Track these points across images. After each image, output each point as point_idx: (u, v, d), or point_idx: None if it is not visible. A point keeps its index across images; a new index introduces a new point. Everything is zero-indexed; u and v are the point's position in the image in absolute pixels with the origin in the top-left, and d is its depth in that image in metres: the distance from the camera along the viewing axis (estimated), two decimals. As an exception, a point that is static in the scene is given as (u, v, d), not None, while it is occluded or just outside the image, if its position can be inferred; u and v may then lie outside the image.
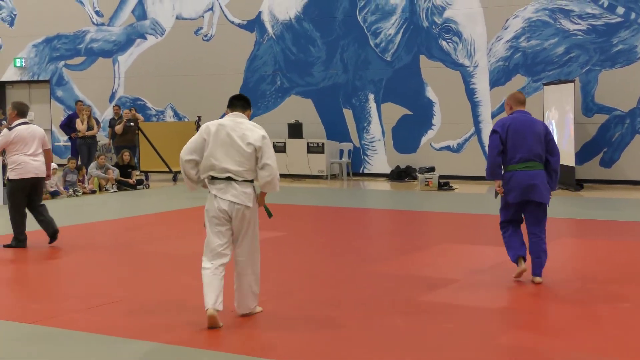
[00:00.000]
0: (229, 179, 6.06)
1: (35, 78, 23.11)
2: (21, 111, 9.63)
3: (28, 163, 9.35)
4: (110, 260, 9.07)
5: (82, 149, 17.62)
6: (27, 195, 9.50)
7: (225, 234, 6.11)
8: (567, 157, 15.55)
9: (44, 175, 9.59)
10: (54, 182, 14.82)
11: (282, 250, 9.17)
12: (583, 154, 16.37)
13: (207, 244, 6.12)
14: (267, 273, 7.54)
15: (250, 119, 6.30)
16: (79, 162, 16.89)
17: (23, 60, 23.12)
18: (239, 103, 6.31)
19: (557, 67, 16.78)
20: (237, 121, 6.16)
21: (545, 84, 16.64)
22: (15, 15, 23.27)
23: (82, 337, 5.81)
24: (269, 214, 6.41)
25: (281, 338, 5.82)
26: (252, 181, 6.16)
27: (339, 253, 8.90)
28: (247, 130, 6.11)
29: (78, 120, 17.78)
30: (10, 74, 23.48)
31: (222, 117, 6.62)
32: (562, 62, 16.73)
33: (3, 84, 23.81)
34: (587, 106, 16.53)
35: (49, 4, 22.59)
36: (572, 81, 15.54)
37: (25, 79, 23.31)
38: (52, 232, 9.55)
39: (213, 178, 6.09)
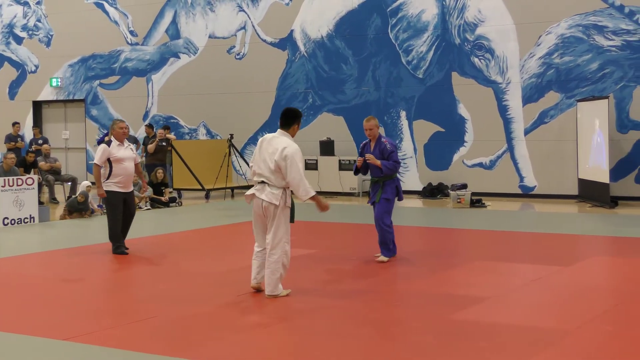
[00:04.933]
0: (263, 182, 7.44)
1: (71, 97, 23.47)
2: None
3: None
4: (145, 277, 9.16)
5: None
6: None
7: (261, 227, 7.58)
8: (601, 173, 15.41)
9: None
10: (88, 200, 14.99)
11: (313, 267, 9.18)
12: (617, 171, 16.21)
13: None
14: (298, 290, 7.57)
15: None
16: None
17: (59, 80, 23.51)
18: (281, 121, 7.61)
19: (590, 83, 16.67)
20: (275, 138, 7.51)
21: (578, 101, 16.54)
22: (51, 35, 23.69)
23: (116, 354, 5.87)
24: (291, 218, 7.62)
25: (310, 354, 5.84)
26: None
27: (370, 271, 8.90)
28: (279, 146, 7.38)
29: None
30: (46, 94, 23.88)
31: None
32: (595, 78, 16.62)
33: (39, 103, 24.22)
34: (622, 123, 16.39)
35: (85, 24, 22.98)
36: (607, 97, 15.43)
37: (61, 98, 23.69)
38: None
39: (257, 182, 7.51)
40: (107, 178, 10.15)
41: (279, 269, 7.48)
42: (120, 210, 10.22)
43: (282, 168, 7.33)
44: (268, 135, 7.61)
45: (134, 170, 10.40)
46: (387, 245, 9.51)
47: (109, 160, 10.14)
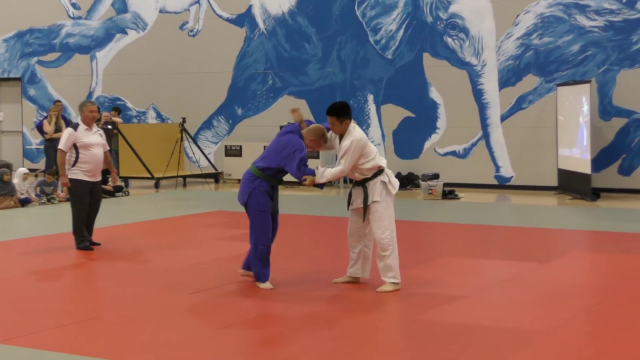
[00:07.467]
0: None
1: (6, 75, 23.10)
2: None
3: None
4: (89, 274, 9.07)
5: (50, 151, 17.61)
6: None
7: None
8: (582, 164, 15.58)
9: None
10: (25, 189, 14.79)
11: (274, 264, 9.15)
12: (600, 161, 16.39)
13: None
14: (255, 294, 7.54)
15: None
16: (46, 167, 16.92)
17: (-8, 56, 23.12)
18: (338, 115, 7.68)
19: (571, 66, 16.82)
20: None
21: (558, 85, 16.69)
22: (-16, 7, 23.28)
23: (50, 357, 5.80)
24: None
25: (278, 353, 5.82)
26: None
27: (335, 267, 8.89)
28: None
29: (45, 122, 17.84)
30: (-22, 71, 23.49)
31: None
32: (577, 61, 16.78)
33: (-29, 82, 23.82)
34: (605, 109, 16.57)
35: (22, -5, 22.62)
36: (588, 82, 15.58)
37: (-6, 76, 23.31)
38: None
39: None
40: (73, 165, 9.88)
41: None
42: (86, 202, 9.95)
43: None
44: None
45: (102, 158, 10.10)
46: None
47: (75, 146, 9.86)
